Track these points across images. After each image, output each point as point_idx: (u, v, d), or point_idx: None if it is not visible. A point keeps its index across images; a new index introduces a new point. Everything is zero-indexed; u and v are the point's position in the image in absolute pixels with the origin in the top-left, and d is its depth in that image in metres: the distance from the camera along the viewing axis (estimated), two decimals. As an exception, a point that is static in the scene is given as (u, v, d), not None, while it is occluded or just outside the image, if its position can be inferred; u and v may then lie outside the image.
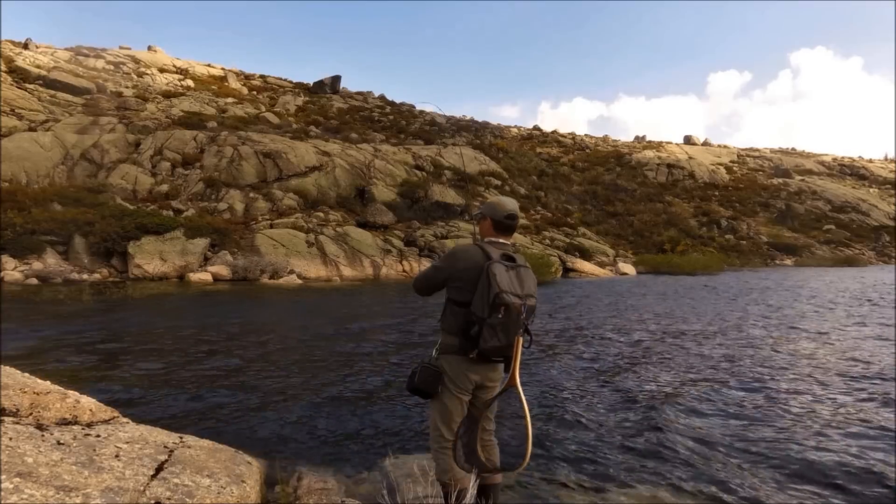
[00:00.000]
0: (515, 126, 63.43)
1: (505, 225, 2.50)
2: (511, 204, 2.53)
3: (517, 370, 2.31)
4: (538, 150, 51.13)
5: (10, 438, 2.13)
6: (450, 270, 2.43)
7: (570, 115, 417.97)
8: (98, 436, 2.40)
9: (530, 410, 2.33)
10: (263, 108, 38.36)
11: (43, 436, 2.25)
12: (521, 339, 2.29)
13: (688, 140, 62.19)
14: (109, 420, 2.71)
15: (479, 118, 63.24)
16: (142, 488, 2.02)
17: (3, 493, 1.74)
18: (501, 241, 2.50)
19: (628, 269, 24.87)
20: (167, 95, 35.30)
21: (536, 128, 63.35)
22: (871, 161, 63.99)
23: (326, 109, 44.42)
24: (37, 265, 14.68)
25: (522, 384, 2.34)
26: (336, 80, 52.48)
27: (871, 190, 51.76)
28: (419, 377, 2.44)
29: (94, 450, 2.24)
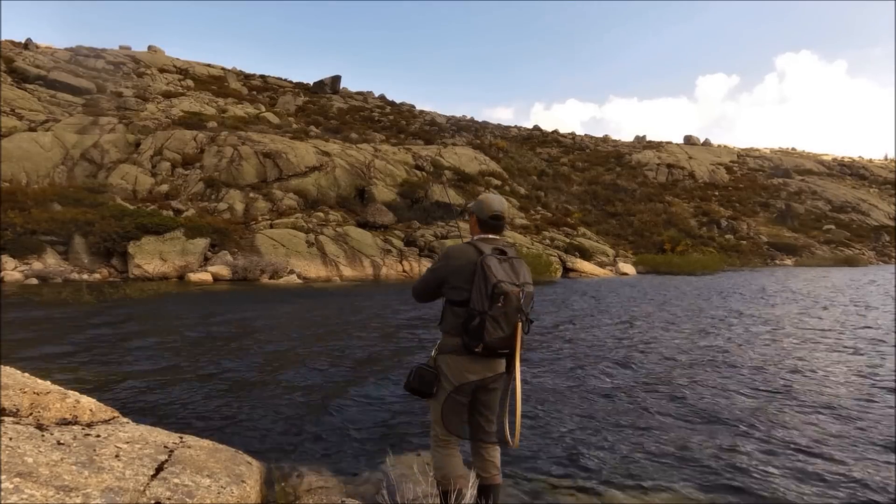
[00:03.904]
0: (515, 126, 63.47)
1: (490, 225, 2.53)
2: (497, 203, 2.54)
3: (518, 356, 2.35)
4: (538, 150, 51.15)
5: (10, 438, 2.13)
6: (445, 270, 2.45)
7: (564, 117, 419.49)
8: (98, 436, 2.40)
9: (524, 408, 2.33)
10: (263, 108, 38.34)
11: (43, 436, 2.25)
12: (520, 325, 2.33)
13: (688, 140, 62.17)
14: (109, 420, 2.71)
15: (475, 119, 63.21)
16: (142, 488, 2.02)
17: (3, 493, 1.74)
18: (491, 237, 2.53)
19: (628, 268, 24.87)
20: (167, 95, 35.28)
21: (536, 128, 63.33)
22: (871, 161, 63.99)
23: (326, 109, 44.43)
24: (37, 265, 14.67)
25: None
26: (336, 80, 52.50)
27: (871, 190, 51.77)
28: (415, 377, 2.47)
29: (94, 450, 2.24)
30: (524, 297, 2.34)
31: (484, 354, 2.37)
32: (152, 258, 15.91)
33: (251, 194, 21.46)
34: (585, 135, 63.71)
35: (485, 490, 2.48)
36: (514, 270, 2.37)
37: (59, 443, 2.22)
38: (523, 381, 2.57)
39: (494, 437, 2.60)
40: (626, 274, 23.97)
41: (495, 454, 2.58)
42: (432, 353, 2.53)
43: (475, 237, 2.54)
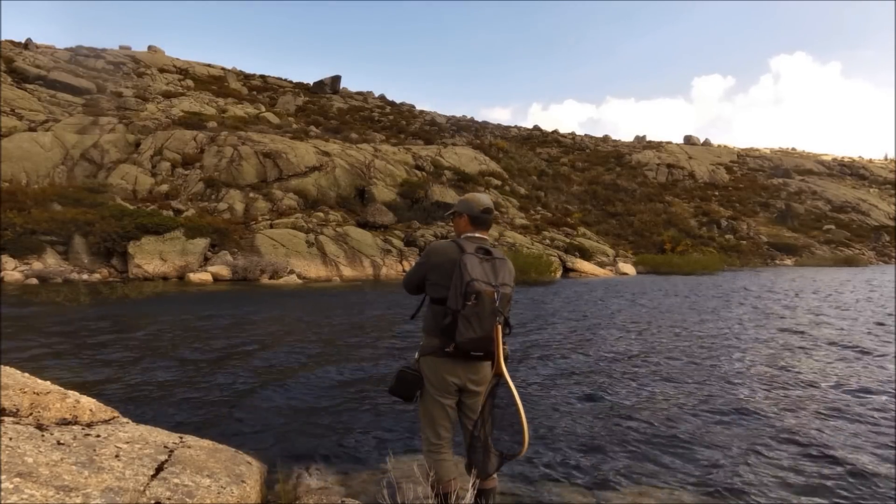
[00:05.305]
0: (515, 126, 63.48)
1: (481, 219, 2.53)
2: (485, 199, 2.57)
3: (501, 359, 2.31)
4: (538, 150, 51.15)
5: (10, 438, 2.13)
6: (426, 266, 2.47)
7: (562, 117, 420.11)
8: (98, 436, 2.40)
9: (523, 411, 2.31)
10: (263, 108, 38.35)
11: (43, 436, 2.25)
12: (499, 328, 2.29)
13: (688, 140, 62.20)
14: (109, 420, 2.71)
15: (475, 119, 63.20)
16: (142, 488, 2.02)
17: (3, 493, 1.74)
18: (478, 235, 2.52)
19: (628, 268, 24.87)
20: (167, 95, 35.28)
21: (536, 128, 63.34)
22: (871, 161, 64.01)
23: (326, 109, 44.44)
24: (37, 265, 14.67)
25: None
26: (336, 80, 52.52)
27: (871, 190, 51.78)
28: (396, 381, 2.47)
29: (94, 450, 2.23)
30: (499, 298, 2.30)
31: (458, 356, 2.34)
32: (152, 258, 15.91)
33: (251, 194, 21.47)
34: (585, 135, 63.70)
35: (482, 493, 2.48)
36: (493, 271, 2.35)
37: (59, 443, 2.22)
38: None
39: (487, 442, 2.58)
40: (626, 274, 23.97)
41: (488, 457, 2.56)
42: (416, 356, 2.52)
43: (461, 236, 2.54)
